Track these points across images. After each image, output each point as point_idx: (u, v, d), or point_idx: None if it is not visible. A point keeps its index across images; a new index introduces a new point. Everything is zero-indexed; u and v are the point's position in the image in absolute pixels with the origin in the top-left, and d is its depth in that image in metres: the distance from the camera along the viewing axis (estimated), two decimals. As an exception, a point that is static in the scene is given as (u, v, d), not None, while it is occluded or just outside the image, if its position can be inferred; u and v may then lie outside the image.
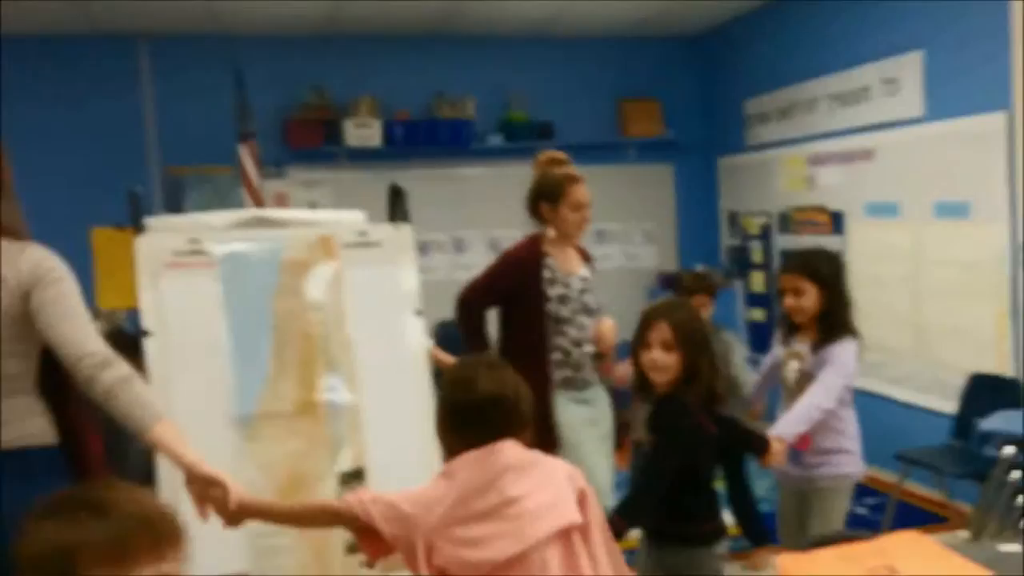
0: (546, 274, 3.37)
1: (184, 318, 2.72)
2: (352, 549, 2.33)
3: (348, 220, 3.13)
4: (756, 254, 6.19)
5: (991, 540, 3.15)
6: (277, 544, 2.45)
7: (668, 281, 6.50)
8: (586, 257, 3.59)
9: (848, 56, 5.15)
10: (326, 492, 2.51)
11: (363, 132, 5.93)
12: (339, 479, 2.55)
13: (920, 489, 4.54)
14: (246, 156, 5.01)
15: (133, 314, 5.06)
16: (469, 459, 1.86)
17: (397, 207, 3.14)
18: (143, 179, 5.76)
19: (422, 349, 2.93)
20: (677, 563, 2.50)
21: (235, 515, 1.96)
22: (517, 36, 6.38)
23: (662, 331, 2.46)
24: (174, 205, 5.79)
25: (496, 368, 2.00)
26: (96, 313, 5.46)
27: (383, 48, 6.21)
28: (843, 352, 2.92)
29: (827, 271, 2.98)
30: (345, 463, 2.59)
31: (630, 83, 6.67)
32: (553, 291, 3.36)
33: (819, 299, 2.95)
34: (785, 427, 2.81)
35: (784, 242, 5.83)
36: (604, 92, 6.65)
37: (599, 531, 1.96)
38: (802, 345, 3.05)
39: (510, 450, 1.88)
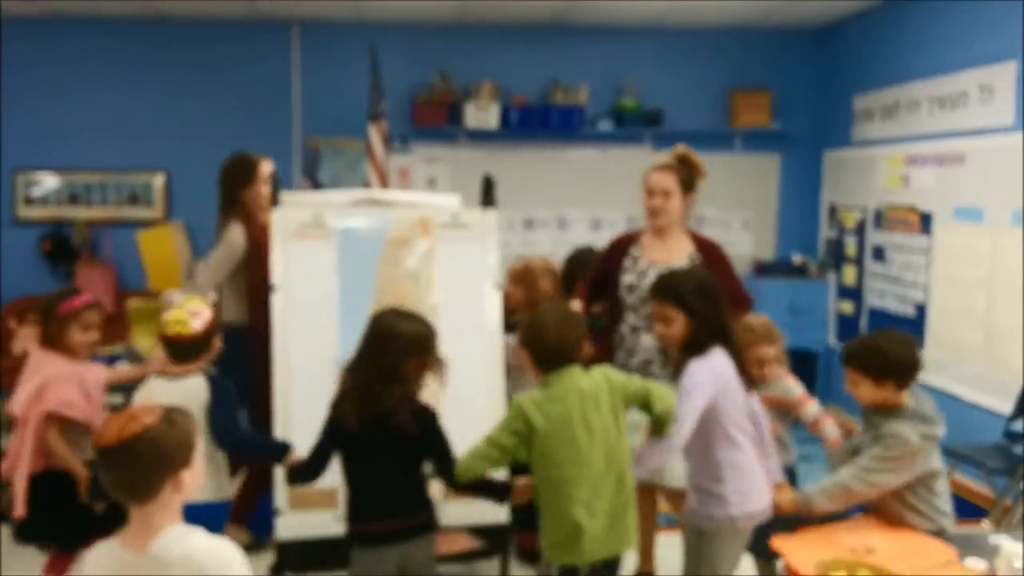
0: (626, 262, 3.49)
1: (305, 278, 3.34)
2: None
3: (444, 203, 3.68)
4: (850, 248, 6.36)
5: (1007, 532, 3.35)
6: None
7: (762, 268, 6.76)
8: (703, 247, 3.53)
9: (951, 60, 5.25)
10: (406, 428, 3.05)
11: (482, 115, 6.41)
12: (417, 418, 3.09)
13: (971, 483, 4.75)
14: (374, 134, 5.59)
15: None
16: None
17: (488, 195, 3.65)
18: (286, 147, 6.48)
19: (496, 315, 3.45)
20: (353, 560, 2.63)
21: None
22: (632, 28, 6.67)
23: None
24: (310, 170, 6.47)
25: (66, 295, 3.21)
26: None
27: (505, 39, 6.65)
28: (688, 379, 2.65)
29: (692, 295, 2.68)
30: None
31: (742, 74, 6.84)
32: (625, 278, 3.47)
33: (687, 325, 2.68)
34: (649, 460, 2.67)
35: (876, 238, 6.00)
36: (715, 82, 6.83)
37: (32, 427, 3.06)
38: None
39: (42, 355, 3.15)
